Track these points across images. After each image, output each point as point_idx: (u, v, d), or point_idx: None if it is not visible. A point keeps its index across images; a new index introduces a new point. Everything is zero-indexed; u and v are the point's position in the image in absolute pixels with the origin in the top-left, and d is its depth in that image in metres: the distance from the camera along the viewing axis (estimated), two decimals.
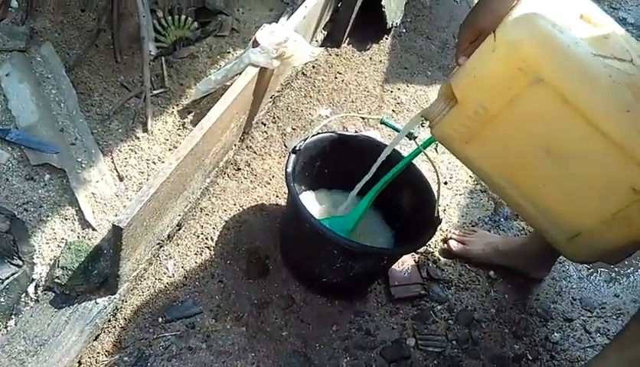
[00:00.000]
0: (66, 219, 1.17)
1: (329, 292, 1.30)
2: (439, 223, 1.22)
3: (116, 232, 0.97)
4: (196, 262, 1.27)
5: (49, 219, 1.16)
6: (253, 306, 1.25)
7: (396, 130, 1.25)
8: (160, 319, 1.17)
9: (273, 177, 1.48)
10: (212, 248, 1.30)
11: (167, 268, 1.24)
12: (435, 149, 1.70)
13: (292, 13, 1.49)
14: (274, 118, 1.58)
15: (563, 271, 1.53)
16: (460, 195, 1.62)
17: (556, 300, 1.46)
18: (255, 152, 1.50)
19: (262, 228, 1.37)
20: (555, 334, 1.40)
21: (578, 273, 1.54)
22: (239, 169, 1.46)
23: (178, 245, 1.28)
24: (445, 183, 1.62)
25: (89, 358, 1.09)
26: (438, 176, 1.21)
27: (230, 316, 1.22)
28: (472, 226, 1.55)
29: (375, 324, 1.29)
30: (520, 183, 1.02)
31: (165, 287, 1.22)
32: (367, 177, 1.27)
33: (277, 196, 1.45)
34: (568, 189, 0.97)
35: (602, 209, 0.95)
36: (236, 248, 1.32)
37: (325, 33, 1.77)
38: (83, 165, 1.24)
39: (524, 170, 1.00)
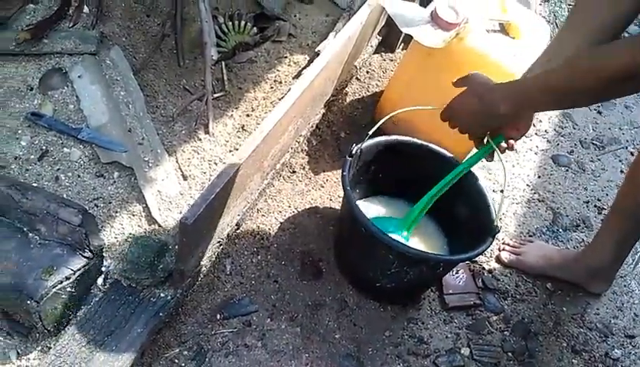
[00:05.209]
0: (133, 215, 1.22)
1: (382, 297, 1.30)
2: (498, 232, 1.19)
3: (183, 228, 1.00)
4: (252, 262, 1.30)
5: (117, 214, 1.21)
6: (307, 307, 1.26)
7: None
8: (218, 316, 1.20)
9: (327, 180, 1.49)
10: (267, 249, 1.33)
11: (225, 266, 1.27)
12: (493, 157, 1.68)
13: (349, 18, 1.50)
14: (328, 122, 1.60)
15: (625, 285, 1.47)
16: (517, 204, 1.58)
17: (617, 315, 1.41)
18: (309, 155, 1.52)
19: (315, 230, 1.39)
20: (616, 350, 1.35)
21: None
22: (294, 172, 1.48)
23: (236, 244, 1.31)
24: (502, 191, 1.59)
25: (151, 350, 1.13)
26: (505, 181, 1.19)
27: (285, 316, 1.23)
28: (529, 236, 1.51)
29: (428, 332, 1.28)
30: None
31: (223, 284, 1.25)
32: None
33: (330, 200, 1.46)
34: None
35: None
36: (291, 250, 1.34)
37: (380, 38, 1.78)
38: (150, 164, 1.29)
39: None
